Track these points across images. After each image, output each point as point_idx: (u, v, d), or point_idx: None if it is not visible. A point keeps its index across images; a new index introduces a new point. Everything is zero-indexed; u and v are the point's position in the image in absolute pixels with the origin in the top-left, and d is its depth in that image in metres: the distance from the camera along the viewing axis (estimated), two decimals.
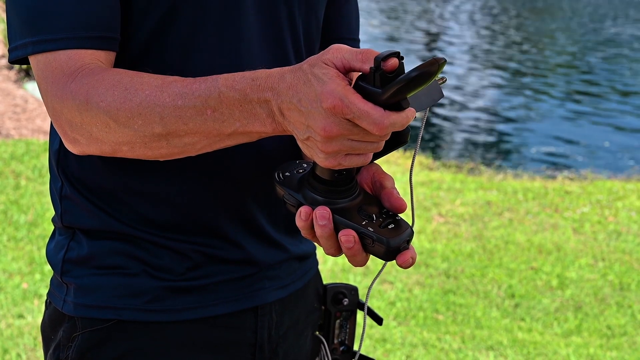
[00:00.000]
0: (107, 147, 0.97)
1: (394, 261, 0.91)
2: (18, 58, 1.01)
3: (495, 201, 5.25)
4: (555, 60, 13.08)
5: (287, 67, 0.89)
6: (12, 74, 6.86)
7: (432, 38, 15.29)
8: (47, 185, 4.66)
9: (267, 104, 0.89)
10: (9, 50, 1.02)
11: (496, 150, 7.58)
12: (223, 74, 0.92)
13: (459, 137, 7.99)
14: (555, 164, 6.98)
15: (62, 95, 0.96)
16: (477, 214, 4.99)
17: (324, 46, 1.23)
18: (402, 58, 0.83)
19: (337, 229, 0.92)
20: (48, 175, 4.80)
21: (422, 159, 6.40)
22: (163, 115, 0.92)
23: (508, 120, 8.84)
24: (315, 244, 0.97)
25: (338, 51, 0.85)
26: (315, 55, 0.87)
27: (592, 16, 19.81)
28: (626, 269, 4.28)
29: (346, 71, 0.85)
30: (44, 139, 5.47)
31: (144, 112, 0.93)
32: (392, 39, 14.37)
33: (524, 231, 4.75)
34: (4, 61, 7.17)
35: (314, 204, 0.93)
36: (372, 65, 0.83)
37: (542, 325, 3.65)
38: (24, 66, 6.82)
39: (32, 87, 6.55)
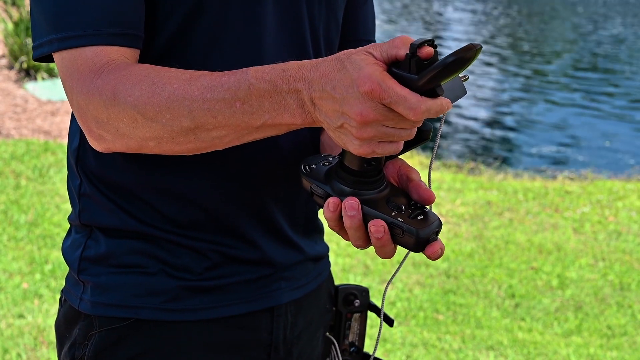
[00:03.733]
0: (133, 142, 0.97)
1: (421, 253, 0.91)
2: (43, 55, 1.00)
3: (496, 201, 5.25)
4: (556, 60, 13.08)
5: (321, 58, 0.89)
6: (12, 74, 6.85)
7: (432, 34, 15.28)
8: (47, 185, 4.65)
9: (298, 94, 0.89)
10: (33, 48, 1.02)
11: (496, 150, 7.58)
12: (253, 67, 0.92)
13: (459, 137, 7.99)
14: (555, 164, 6.99)
15: (89, 91, 0.95)
16: (477, 214, 4.99)
17: (341, 47, 1.23)
18: (436, 46, 0.83)
19: (365, 219, 0.92)
20: (48, 175, 4.80)
21: (422, 158, 6.39)
22: (192, 109, 0.92)
23: (508, 120, 8.84)
24: (341, 237, 0.97)
25: (376, 44, 0.86)
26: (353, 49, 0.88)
27: (593, 15, 19.82)
28: (626, 269, 4.29)
29: (383, 61, 0.85)
30: (44, 139, 5.46)
31: (172, 106, 0.92)
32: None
33: (524, 231, 4.75)
34: (4, 61, 7.17)
35: (342, 195, 0.93)
36: (408, 52, 0.83)
37: (542, 325, 3.66)
38: (24, 66, 6.82)
39: (32, 87, 6.54)
